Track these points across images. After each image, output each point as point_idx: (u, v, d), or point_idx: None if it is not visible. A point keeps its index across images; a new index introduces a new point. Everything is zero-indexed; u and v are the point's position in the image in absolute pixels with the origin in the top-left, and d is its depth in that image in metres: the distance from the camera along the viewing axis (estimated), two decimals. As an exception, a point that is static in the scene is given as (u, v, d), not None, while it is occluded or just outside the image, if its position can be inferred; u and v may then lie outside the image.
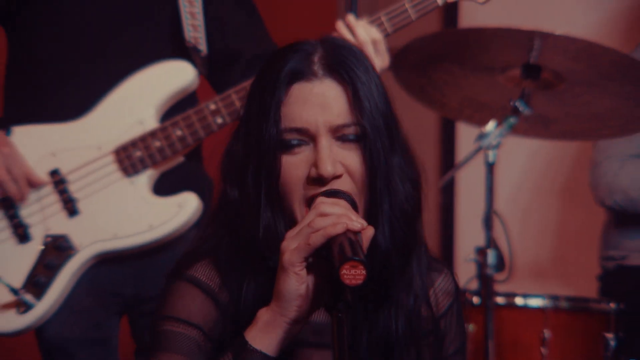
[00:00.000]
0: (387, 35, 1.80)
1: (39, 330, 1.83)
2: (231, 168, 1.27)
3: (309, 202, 1.20)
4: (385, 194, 1.22)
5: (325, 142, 1.19)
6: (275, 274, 1.16)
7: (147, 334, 1.84)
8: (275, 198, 1.22)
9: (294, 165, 1.20)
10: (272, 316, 1.15)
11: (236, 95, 1.84)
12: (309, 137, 1.20)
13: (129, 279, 1.89)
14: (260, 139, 1.22)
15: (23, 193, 1.85)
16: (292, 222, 1.21)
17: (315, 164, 1.19)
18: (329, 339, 1.15)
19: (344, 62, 1.22)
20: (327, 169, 1.17)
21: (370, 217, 1.21)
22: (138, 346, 1.96)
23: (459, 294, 1.34)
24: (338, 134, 1.20)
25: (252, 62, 1.96)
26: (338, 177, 1.19)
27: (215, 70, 1.97)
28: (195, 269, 1.26)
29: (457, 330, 1.33)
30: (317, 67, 1.22)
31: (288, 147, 1.20)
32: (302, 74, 1.21)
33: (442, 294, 1.32)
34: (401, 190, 1.24)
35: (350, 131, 1.20)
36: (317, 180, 1.18)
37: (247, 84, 1.79)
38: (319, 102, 1.21)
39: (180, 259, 1.28)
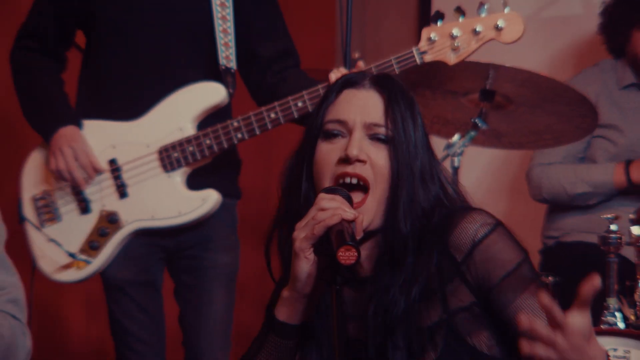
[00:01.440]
0: None
1: (102, 273, 1.91)
2: (289, 161, 1.27)
3: (337, 178, 1.19)
4: (406, 187, 1.18)
5: (358, 134, 1.19)
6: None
7: (182, 274, 1.95)
8: (311, 175, 1.22)
9: (330, 150, 1.20)
10: (290, 294, 1.16)
11: (254, 118, 1.86)
12: (346, 129, 1.20)
13: (168, 238, 1.93)
14: (309, 130, 1.24)
15: (88, 178, 1.89)
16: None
17: (343, 148, 1.19)
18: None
19: (388, 80, 1.24)
20: (353, 151, 1.17)
21: (392, 207, 1.19)
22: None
23: (494, 223, 1.19)
24: (370, 131, 1.20)
25: (271, 61, 1.98)
26: (361, 161, 1.18)
27: (240, 67, 1.98)
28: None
29: (506, 253, 1.17)
30: (366, 81, 1.24)
31: (328, 136, 1.21)
32: (354, 83, 1.23)
33: (465, 237, 1.17)
34: (420, 191, 1.20)
35: (381, 132, 1.20)
36: (344, 160, 1.18)
37: (264, 109, 1.87)
38: (360, 104, 1.21)
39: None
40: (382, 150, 1.20)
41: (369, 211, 1.17)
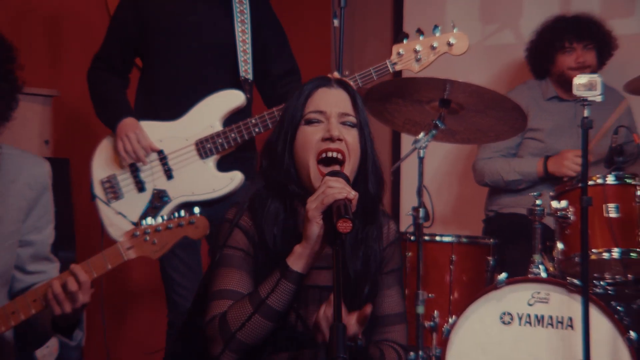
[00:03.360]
0: (358, 87, 1.85)
1: None
2: (268, 144, 1.27)
3: (320, 153, 1.20)
4: (371, 160, 1.25)
5: (335, 121, 1.22)
6: (292, 204, 1.19)
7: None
8: (292, 152, 1.23)
9: (312, 132, 1.22)
10: (303, 249, 1.16)
11: (268, 116, 1.86)
12: (325, 117, 1.22)
13: (205, 211, 1.88)
14: (292, 118, 1.24)
15: (144, 159, 1.89)
16: (305, 166, 1.21)
17: (327, 130, 1.21)
18: (325, 263, 1.18)
19: (347, 84, 1.29)
20: (335, 132, 1.20)
21: (361, 173, 1.24)
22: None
23: (400, 236, 1.32)
24: (342, 119, 1.23)
25: (280, 77, 1.98)
26: (340, 140, 1.20)
27: (256, 81, 1.97)
28: (240, 216, 1.24)
29: (397, 259, 1.30)
30: (333, 83, 1.27)
31: (309, 122, 1.23)
32: (325, 84, 1.27)
33: (393, 232, 1.31)
34: (376, 160, 1.27)
35: (351, 119, 1.24)
36: (327, 139, 1.20)
37: (275, 109, 1.87)
38: (334, 99, 1.24)
39: (227, 211, 1.27)
40: (352, 133, 1.23)
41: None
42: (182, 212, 1.32)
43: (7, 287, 1.35)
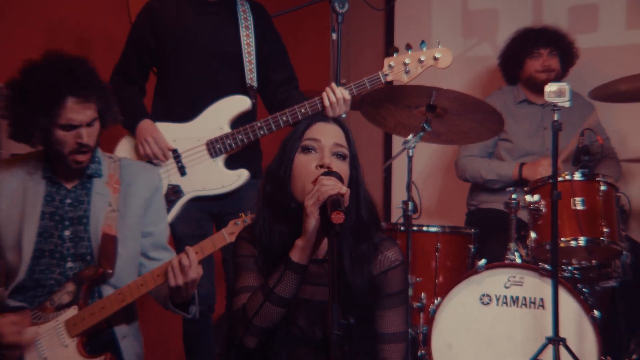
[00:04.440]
0: (352, 95, 1.84)
1: (170, 227, 1.84)
2: (270, 172, 1.26)
3: (314, 180, 1.20)
4: (362, 190, 1.24)
5: (328, 151, 1.22)
6: (293, 219, 1.18)
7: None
8: (289, 177, 1.22)
9: (308, 160, 1.22)
10: (303, 243, 1.16)
11: (272, 119, 1.84)
12: (319, 146, 1.22)
13: (214, 204, 1.89)
14: (291, 147, 1.24)
15: (165, 157, 1.87)
16: (302, 191, 1.20)
17: (321, 159, 1.21)
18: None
19: (343, 123, 1.28)
20: (326, 160, 1.21)
21: (353, 201, 1.22)
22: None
23: (403, 260, 1.25)
24: (335, 149, 1.23)
25: (280, 84, 1.96)
26: (331, 169, 1.21)
27: (259, 87, 1.95)
28: (245, 231, 1.28)
29: (401, 281, 1.24)
30: (330, 119, 1.28)
31: (305, 150, 1.23)
32: (323, 120, 1.27)
33: (389, 260, 1.23)
34: (366, 190, 1.25)
35: (343, 151, 1.23)
36: (321, 167, 1.20)
37: (278, 114, 1.84)
38: (329, 131, 1.25)
39: (240, 231, 1.30)
40: (343, 165, 1.22)
41: None
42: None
43: (136, 271, 1.49)
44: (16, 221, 1.42)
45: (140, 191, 1.50)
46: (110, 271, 1.42)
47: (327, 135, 1.24)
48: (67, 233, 1.43)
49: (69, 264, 1.42)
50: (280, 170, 1.24)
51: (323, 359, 1.14)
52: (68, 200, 1.45)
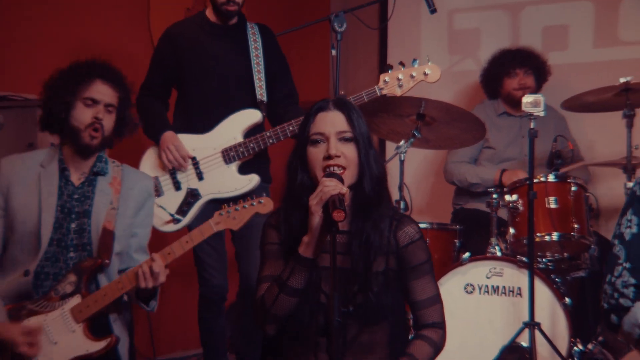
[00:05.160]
0: None
1: (188, 227, 1.87)
2: (289, 164, 1.26)
3: (324, 169, 1.20)
4: (366, 166, 1.22)
5: (333, 140, 1.21)
6: (306, 209, 1.18)
7: None
8: (305, 168, 1.22)
9: (317, 152, 1.21)
10: (309, 239, 1.17)
11: (279, 129, 1.85)
12: (325, 137, 1.21)
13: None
14: (301, 141, 1.24)
15: (185, 164, 1.89)
16: (314, 180, 1.20)
17: (327, 150, 1.20)
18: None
19: (343, 102, 1.25)
20: (332, 151, 1.19)
21: (360, 178, 1.22)
22: None
23: (422, 235, 1.24)
24: (340, 136, 1.21)
25: (283, 98, 1.96)
26: (338, 156, 1.20)
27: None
28: (272, 218, 1.28)
29: (423, 252, 1.24)
30: (330, 105, 1.24)
31: (313, 143, 1.22)
32: (323, 109, 1.24)
33: (409, 236, 1.23)
34: (373, 165, 1.23)
35: (347, 135, 1.21)
36: (328, 157, 1.20)
37: (285, 124, 1.84)
38: (331, 121, 1.22)
39: (267, 218, 1.29)
40: (350, 146, 1.21)
41: (346, 181, 1.20)
42: (253, 196, 1.45)
43: (119, 264, 1.51)
44: (35, 210, 1.43)
45: (137, 195, 1.53)
46: (107, 261, 1.44)
47: (329, 125, 1.22)
48: (73, 225, 1.45)
49: (71, 254, 1.44)
50: (294, 162, 1.24)
51: (348, 322, 1.14)
52: (75, 196, 1.47)
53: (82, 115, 1.45)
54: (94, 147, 1.48)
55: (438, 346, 1.23)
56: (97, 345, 1.41)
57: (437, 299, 1.26)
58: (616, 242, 1.23)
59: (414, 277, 1.24)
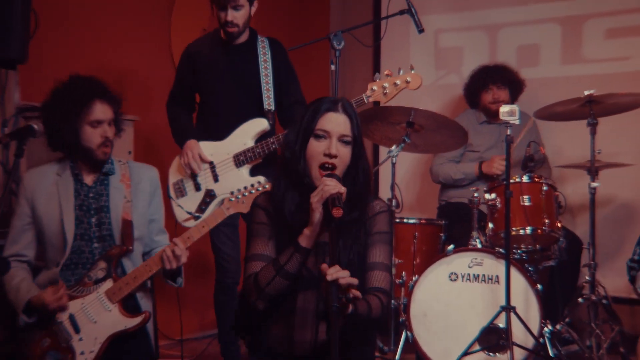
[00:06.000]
0: None
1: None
2: (288, 142, 1.23)
3: (321, 165, 1.19)
4: (360, 165, 1.23)
5: (335, 140, 1.20)
6: (305, 191, 1.16)
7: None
8: (305, 156, 1.21)
9: (318, 146, 1.20)
10: (309, 232, 1.16)
11: (281, 136, 1.83)
12: (328, 135, 1.20)
13: None
14: (307, 126, 1.21)
15: (196, 169, 1.89)
16: (311, 169, 1.19)
17: (328, 147, 1.19)
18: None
19: (351, 108, 1.24)
20: (333, 151, 1.19)
21: (354, 175, 1.22)
22: None
23: (390, 211, 1.29)
24: (341, 138, 1.21)
25: (290, 107, 1.95)
26: (335, 156, 1.19)
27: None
28: (261, 198, 1.26)
29: (386, 224, 1.24)
30: (340, 107, 1.22)
31: (317, 137, 1.20)
32: (333, 109, 1.22)
33: (377, 208, 1.24)
34: (365, 165, 1.24)
35: (347, 139, 1.21)
36: (327, 155, 1.19)
37: (287, 132, 1.90)
38: (337, 121, 1.21)
39: (256, 197, 1.29)
40: (347, 148, 1.21)
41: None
42: (259, 182, 1.46)
43: (142, 247, 1.58)
44: (56, 214, 1.48)
45: (146, 186, 1.57)
46: (131, 248, 1.49)
47: (335, 126, 1.21)
48: (93, 220, 1.50)
49: (95, 244, 1.49)
50: (296, 144, 1.21)
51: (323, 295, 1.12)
52: (91, 194, 1.52)
53: (92, 137, 1.49)
54: (106, 159, 1.54)
55: (384, 306, 1.19)
56: (134, 321, 1.45)
57: (387, 268, 1.23)
58: None
59: (372, 242, 1.23)
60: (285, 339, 1.19)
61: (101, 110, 1.49)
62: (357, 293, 1.07)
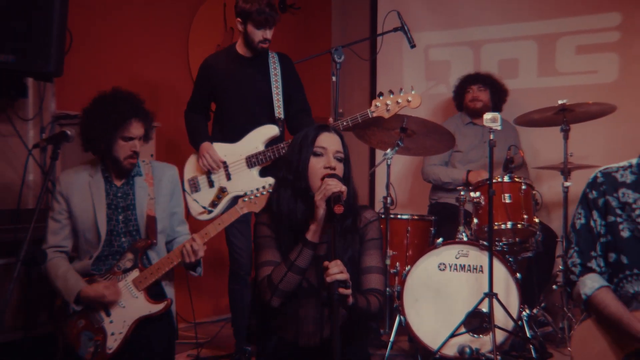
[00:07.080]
0: (348, 125, 1.80)
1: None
2: (286, 165, 1.22)
3: (322, 178, 1.19)
4: (351, 180, 1.24)
5: (331, 155, 1.21)
6: (310, 202, 1.16)
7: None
8: (305, 174, 1.20)
9: (318, 162, 1.21)
10: (314, 227, 1.16)
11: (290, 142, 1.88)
12: (326, 152, 1.21)
13: None
14: (307, 147, 1.21)
15: (217, 168, 1.89)
16: (314, 183, 1.18)
17: (327, 161, 1.20)
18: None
19: (338, 131, 1.26)
20: (332, 163, 1.20)
21: (346, 184, 1.20)
22: None
23: (379, 219, 1.25)
24: (335, 155, 1.22)
25: (297, 113, 1.93)
26: (334, 168, 1.20)
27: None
28: (262, 217, 1.24)
29: (377, 231, 1.24)
30: (330, 129, 1.24)
31: (316, 154, 1.21)
32: (326, 130, 1.24)
33: (367, 218, 1.24)
34: (352, 181, 1.24)
35: (340, 155, 1.22)
36: (327, 167, 1.20)
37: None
38: (332, 140, 1.23)
39: (257, 216, 1.26)
40: (340, 164, 1.21)
41: None
42: (269, 185, 1.43)
43: (165, 238, 1.59)
44: (90, 211, 1.50)
45: (167, 184, 1.58)
46: (155, 241, 1.51)
47: (331, 143, 1.23)
48: (121, 217, 1.51)
49: (122, 239, 1.51)
50: (299, 166, 1.21)
51: (323, 303, 1.15)
52: (119, 194, 1.53)
53: (122, 149, 1.50)
54: (131, 170, 1.56)
55: (380, 305, 1.19)
56: (158, 307, 1.47)
57: (380, 271, 1.23)
58: (571, 230, 1.25)
59: (365, 249, 1.23)
60: (293, 330, 1.19)
61: (136, 128, 1.50)
62: (349, 291, 1.08)
